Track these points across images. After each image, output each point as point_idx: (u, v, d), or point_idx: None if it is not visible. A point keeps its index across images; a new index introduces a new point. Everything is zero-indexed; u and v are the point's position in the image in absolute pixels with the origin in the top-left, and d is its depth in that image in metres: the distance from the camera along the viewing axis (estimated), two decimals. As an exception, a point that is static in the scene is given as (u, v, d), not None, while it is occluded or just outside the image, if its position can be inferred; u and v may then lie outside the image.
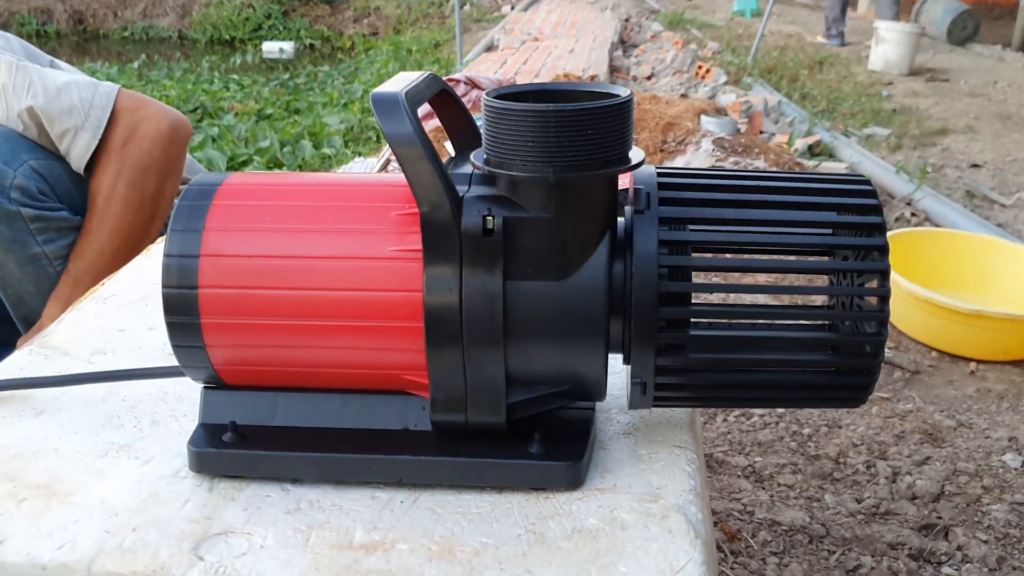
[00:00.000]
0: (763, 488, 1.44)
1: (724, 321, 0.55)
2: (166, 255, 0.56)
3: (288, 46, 8.94)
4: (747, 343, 0.54)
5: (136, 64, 7.21)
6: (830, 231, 0.55)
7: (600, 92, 0.53)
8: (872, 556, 1.27)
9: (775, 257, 0.55)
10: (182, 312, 0.56)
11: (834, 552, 1.28)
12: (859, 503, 1.40)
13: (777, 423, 1.63)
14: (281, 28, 9.60)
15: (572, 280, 0.53)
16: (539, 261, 0.53)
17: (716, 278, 2.04)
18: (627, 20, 7.73)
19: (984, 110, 4.69)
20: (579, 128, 0.49)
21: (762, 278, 2.12)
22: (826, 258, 0.57)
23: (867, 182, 0.54)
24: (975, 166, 3.71)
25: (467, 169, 0.55)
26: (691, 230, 0.54)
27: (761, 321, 0.55)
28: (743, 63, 5.58)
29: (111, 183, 1.23)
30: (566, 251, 0.53)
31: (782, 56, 6.03)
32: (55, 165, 1.23)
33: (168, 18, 9.91)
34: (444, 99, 0.61)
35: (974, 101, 4.93)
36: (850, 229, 0.53)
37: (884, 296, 0.51)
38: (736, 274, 2.08)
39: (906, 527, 1.34)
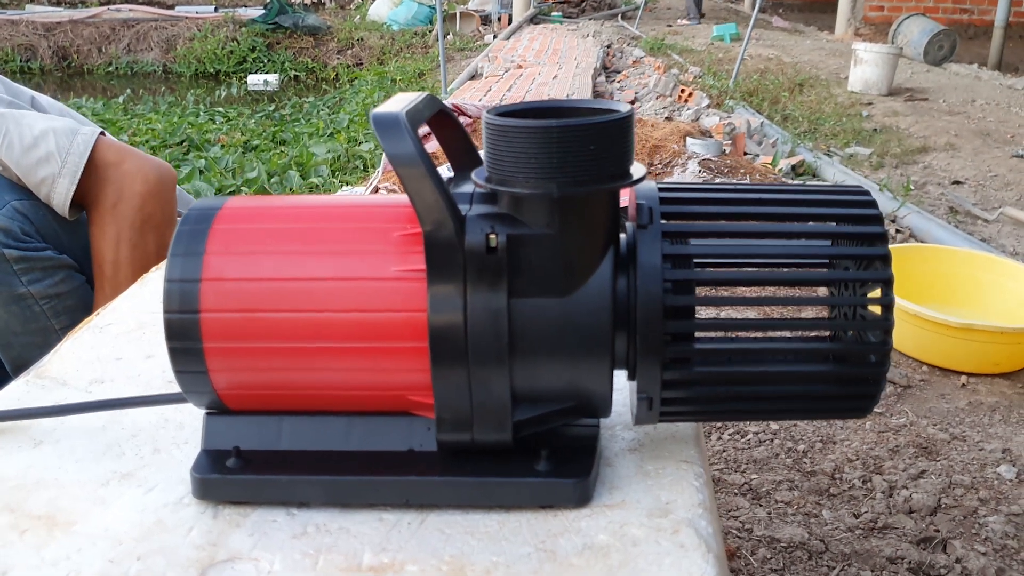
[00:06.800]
0: (760, 505, 1.44)
1: (729, 335, 0.55)
2: (167, 280, 0.56)
3: (273, 78, 8.97)
4: (752, 355, 0.54)
5: (121, 99, 7.21)
6: (830, 242, 0.56)
7: (600, 108, 0.54)
8: (872, 571, 1.27)
9: (777, 269, 0.55)
10: (184, 337, 0.55)
11: (834, 568, 1.28)
12: (857, 518, 1.40)
13: (772, 440, 1.64)
14: (265, 61, 9.63)
15: (577, 296, 0.53)
16: (543, 278, 0.53)
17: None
18: (609, 46, 7.81)
19: (963, 128, 4.75)
20: (582, 144, 0.49)
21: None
22: (828, 269, 0.57)
23: (867, 193, 0.55)
24: (957, 183, 3.75)
25: (468, 188, 0.56)
26: (694, 244, 0.54)
27: (765, 334, 0.55)
28: (724, 86, 5.64)
29: (113, 248, 1.23)
30: (570, 267, 0.53)
31: (762, 79, 6.10)
32: (39, 205, 1.22)
33: (152, 53, 9.93)
34: (442, 120, 0.61)
35: (953, 119, 5.00)
36: (851, 240, 0.54)
37: (888, 305, 0.51)
38: (739, 287, 2.08)
39: (905, 541, 1.34)
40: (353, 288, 0.54)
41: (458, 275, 0.52)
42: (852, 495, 1.47)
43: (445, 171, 0.59)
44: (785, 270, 0.55)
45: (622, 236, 0.56)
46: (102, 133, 1.26)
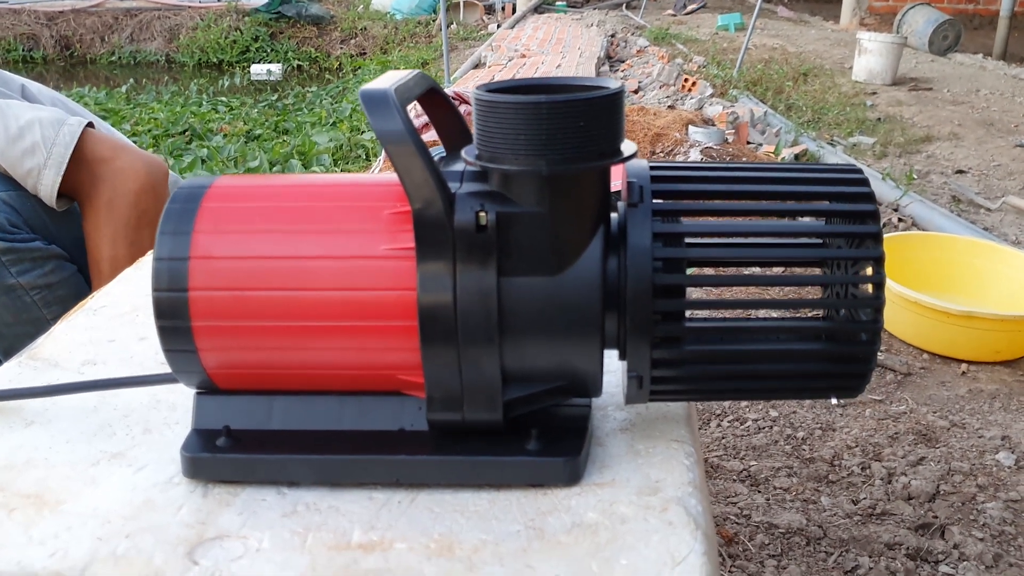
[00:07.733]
0: (759, 492, 1.43)
1: (720, 313, 0.55)
2: (155, 258, 0.55)
3: (276, 68, 8.95)
4: (743, 333, 0.54)
5: (124, 88, 7.20)
6: (823, 220, 0.55)
7: (590, 85, 0.53)
8: (870, 556, 1.27)
9: (769, 248, 0.55)
10: (173, 316, 0.55)
11: (832, 553, 1.27)
12: (855, 504, 1.40)
13: (771, 427, 1.63)
14: (268, 50, 9.61)
15: (566, 275, 0.53)
16: (533, 256, 0.52)
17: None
18: (613, 36, 7.78)
19: (967, 117, 4.73)
20: (571, 120, 0.49)
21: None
22: (821, 247, 0.57)
23: (859, 171, 0.54)
24: (960, 172, 3.74)
25: (459, 166, 0.55)
26: (685, 223, 0.54)
27: (757, 313, 0.55)
28: (728, 76, 5.62)
29: (111, 246, 1.22)
30: (560, 246, 0.52)
31: (767, 68, 6.08)
32: (26, 196, 1.22)
33: (155, 42, 9.91)
34: (433, 98, 0.61)
35: (957, 109, 4.98)
36: (843, 218, 0.54)
37: (879, 283, 0.51)
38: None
39: (903, 527, 1.34)
40: (342, 267, 0.54)
41: (447, 253, 0.52)
42: (851, 482, 1.47)
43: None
44: (777, 249, 0.55)
45: (613, 215, 0.55)
46: (90, 124, 1.25)
